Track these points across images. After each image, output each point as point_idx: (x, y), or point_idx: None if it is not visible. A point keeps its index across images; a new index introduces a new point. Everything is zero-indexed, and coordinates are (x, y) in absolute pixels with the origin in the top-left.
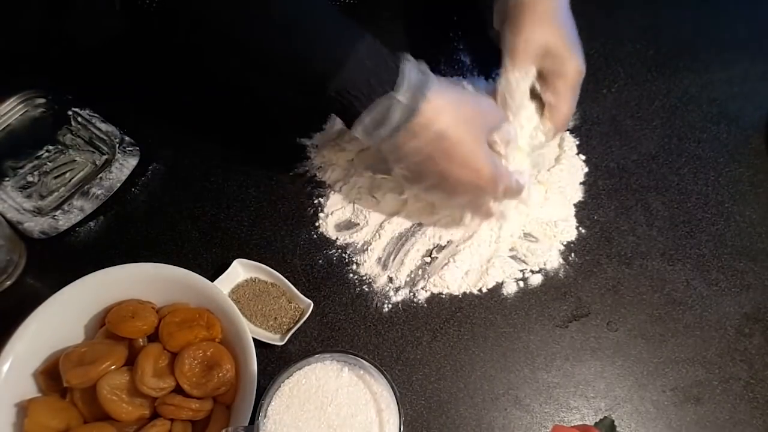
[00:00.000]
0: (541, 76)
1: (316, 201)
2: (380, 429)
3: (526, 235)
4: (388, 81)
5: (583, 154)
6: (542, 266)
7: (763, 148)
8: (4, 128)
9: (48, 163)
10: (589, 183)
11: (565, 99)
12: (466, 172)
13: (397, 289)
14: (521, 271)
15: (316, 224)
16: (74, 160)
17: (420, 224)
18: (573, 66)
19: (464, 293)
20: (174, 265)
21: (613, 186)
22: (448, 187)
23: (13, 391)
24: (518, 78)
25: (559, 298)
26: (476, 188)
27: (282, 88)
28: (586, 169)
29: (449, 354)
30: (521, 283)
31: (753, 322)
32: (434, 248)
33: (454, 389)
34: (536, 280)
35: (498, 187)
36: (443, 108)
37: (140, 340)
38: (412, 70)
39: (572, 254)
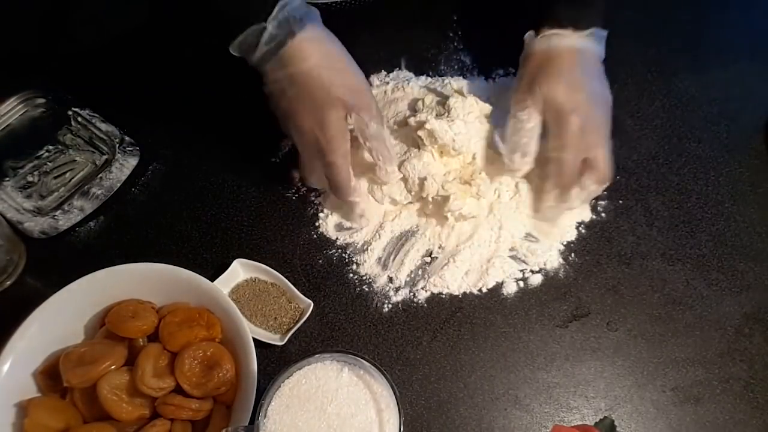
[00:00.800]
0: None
1: (316, 201)
2: (380, 429)
3: (527, 235)
4: (263, 11)
5: None
6: (542, 266)
7: (763, 148)
8: (4, 128)
9: (48, 163)
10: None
11: (559, 156)
12: (308, 121)
13: (397, 289)
14: (521, 271)
15: (316, 224)
16: (74, 160)
17: (419, 224)
18: (569, 124)
19: (464, 293)
20: (174, 265)
21: (613, 186)
22: (294, 131)
23: (13, 391)
24: (521, 116)
25: (559, 298)
26: (310, 143)
27: None
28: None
29: (449, 354)
30: (521, 283)
31: (753, 322)
32: (434, 248)
33: (454, 389)
34: (536, 280)
35: (329, 156)
36: (310, 50)
37: (140, 340)
38: (293, 4)
39: (572, 254)
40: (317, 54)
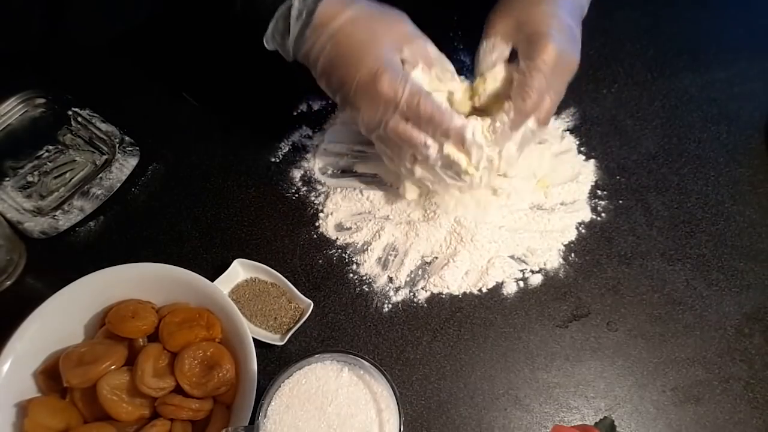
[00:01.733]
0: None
1: (316, 201)
2: (380, 429)
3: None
4: None
5: (583, 154)
6: (542, 266)
7: (763, 148)
8: (4, 128)
9: (48, 163)
10: (589, 183)
11: (529, 82)
12: (363, 73)
13: (397, 289)
14: (521, 271)
15: (316, 224)
16: (74, 160)
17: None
18: (545, 48)
19: (464, 293)
20: (174, 265)
21: (612, 186)
22: (349, 98)
23: (13, 391)
24: (486, 50)
25: (559, 298)
26: (374, 96)
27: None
28: (587, 169)
29: (449, 354)
30: (521, 283)
31: (753, 322)
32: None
33: (454, 389)
34: (536, 280)
35: (397, 97)
36: (339, 8)
37: (140, 340)
38: None
39: (572, 254)
40: (349, 8)
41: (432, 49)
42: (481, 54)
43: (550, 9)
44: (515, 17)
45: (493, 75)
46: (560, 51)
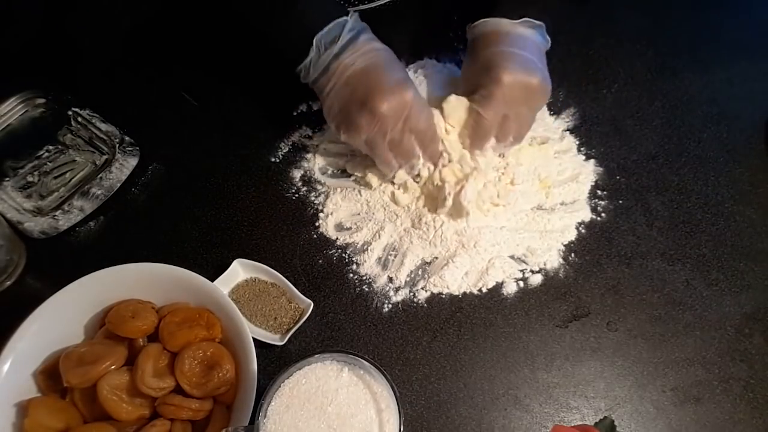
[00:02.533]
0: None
1: (316, 201)
2: (380, 429)
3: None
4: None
5: (583, 154)
6: (542, 266)
7: (763, 148)
8: (4, 128)
9: (48, 163)
10: (589, 183)
11: (486, 109)
12: (390, 83)
13: (397, 289)
14: (521, 271)
15: (316, 224)
16: (74, 160)
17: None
18: (497, 77)
19: (464, 293)
20: (174, 265)
21: (612, 186)
22: (375, 96)
23: (13, 391)
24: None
25: (559, 298)
26: (398, 104)
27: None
28: (587, 169)
29: (449, 354)
30: (521, 283)
31: (753, 322)
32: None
33: (454, 389)
34: (536, 280)
35: (398, 122)
36: (373, 43)
37: (140, 340)
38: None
39: (572, 254)
40: (381, 46)
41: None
42: (452, 104)
43: (500, 48)
44: (477, 62)
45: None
46: (511, 78)
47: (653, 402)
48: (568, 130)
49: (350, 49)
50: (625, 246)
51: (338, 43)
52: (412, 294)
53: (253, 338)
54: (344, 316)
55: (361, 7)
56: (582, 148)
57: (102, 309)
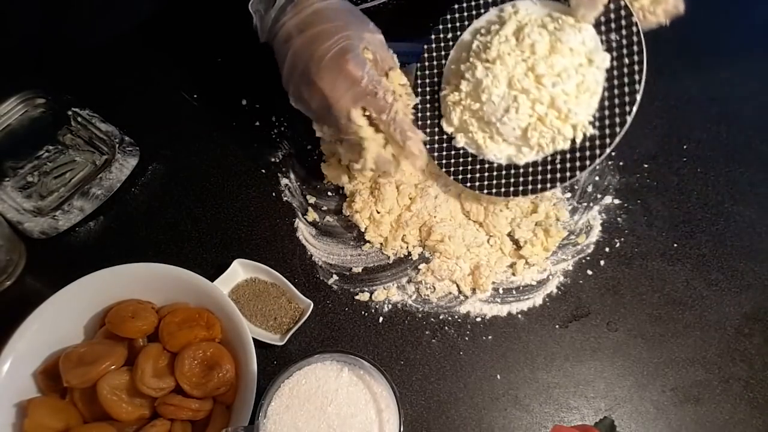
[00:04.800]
0: None
1: (316, 201)
2: (380, 429)
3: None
4: None
5: None
6: (543, 266)
7: (763, 148)
8: (4, 128)
9: (48, 163)
10: (589, 183)
11: None
12: (334, 50)
13: (397, 289)
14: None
15: (318, 224)
16: (74, 160)
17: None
18: None
19: (464, 293)
20: (174, 265)
21: (613, 186)
22: (314, 71)
23: (13, 391)
24: None
25: (559, 298)
26: (341, 72)
27: None
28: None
29: (449, 354)
30: (521, 284)
31: (753, 322)
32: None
33: (454, 389)
34: (537, 280)
35: (359, 77)
36: (323, 6)
37: (140, 340)
38: None
39: (573, 254)
40: (330, 0)
41: (383, 45)
42: None
43: None
44: None
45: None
46: None
47: (653, 402)
48: None
49: (290, 11)
50: (625, 246)
51: (276, 5)
52: (412, 294)
53: (253, 338)
54: (344, 316)
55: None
56: None
57: (102, 309)
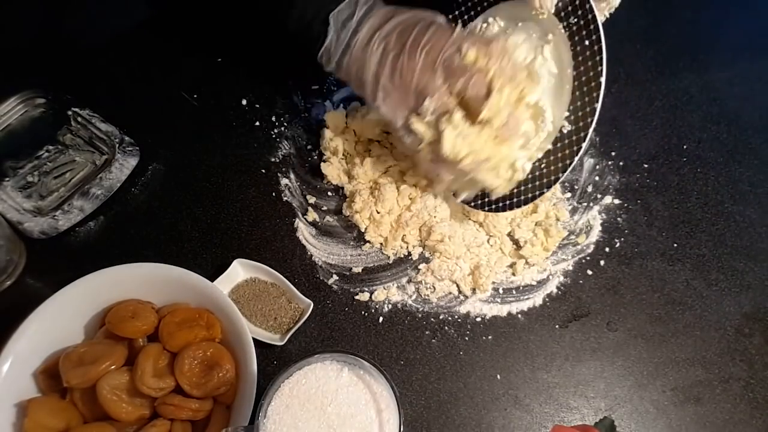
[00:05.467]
0: None
1: (316, 201)
2: (380, 429)
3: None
4: None
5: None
6: (543, 266)
7: (763, 148)
8: (4, 128)
9: (48, 163)
10: (589, 183)
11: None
12: (429, 23)
13: (397, 289)
14: (522, 271)
15: (318, 224)
16: (74, 160)
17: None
18: None
19: (464, 293)
20: (174, 265)
21: (613, 186)
22: (411, 39)
23: (13, 391)
24: None
25: (559, 298)
26: (434, 35)
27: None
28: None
29: (449, 354)
30: (521, 284)
31: (753, 322)
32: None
33: (454, 389)
34: (536, 280)
35: (455, 75)
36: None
37: (140, 340)
38: None
39: (573, 254)
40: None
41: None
42: None
43: None
44: None
45: None
46: None
47: (653, 402)
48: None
49: (368, 22)
50: (625, 246)
51: (355, 17)
52: (412, 294)
53: (253, 338)
54: (344, 316)
55: None
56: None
57: (102, 309)
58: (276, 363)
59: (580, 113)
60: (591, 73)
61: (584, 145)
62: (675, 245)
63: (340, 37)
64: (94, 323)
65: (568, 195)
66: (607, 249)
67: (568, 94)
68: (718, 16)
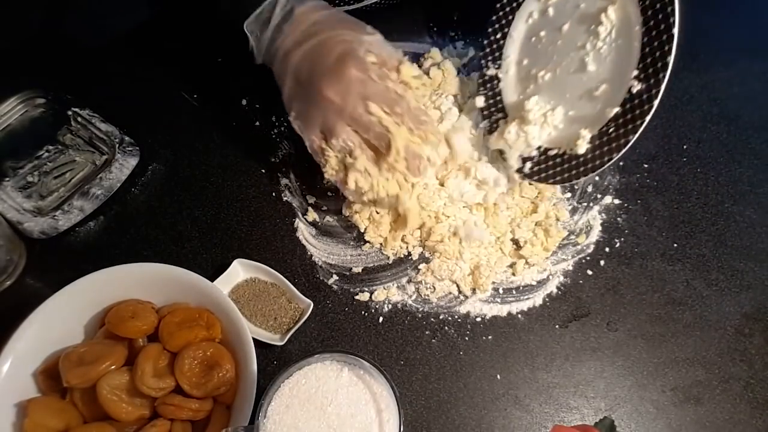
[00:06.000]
0: None
1: (316, 201)
2: (380, 429)
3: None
4: None
5: None
6: (543, 266)
7: (763, 148)
8: (4, 128)
9: (48, 163)
10: (589, 183)
11: None
12: (335, 59)
13: (397, 289)
14: (522, 271)
15: (318, 224)
16: (74, 160)
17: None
18: None
19: (464, 293)
20: (174, 265)
21: (613, 186)
22: (316, 84)
23: (13, 391)
24: None
25: (559, 298)
26: (343, 79)
27: None
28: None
29: (449, 354)
30: (522, 284)
31: (753, 322)
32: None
33: (454, 389)
34: (536, 280)
35: (366, 81)
36: (315, 10)
37: (140, 340)
38: None
39: (573, 254)
40: (323, 10)
41: (385, 44)
42: None
43: None
44: None
45: None
46: None
47: (653, 402)
48: None
49: (286, 31)
50: (625, 246)
51: (270, 25)
52: (412, 294)
53: (253, 338)
54: (344, 316)
55: (347, 7)
56: None
57: (102, 309)
58: (276, 363)
59: (650, 69)
60: (662, 26)
61: (656, 103)
62: (675, 245)
63: (259, 44)
64: (94, 323)
65: (568, 195)
66: (607, 249)
67: (638, 52)
68: (718, 16)
